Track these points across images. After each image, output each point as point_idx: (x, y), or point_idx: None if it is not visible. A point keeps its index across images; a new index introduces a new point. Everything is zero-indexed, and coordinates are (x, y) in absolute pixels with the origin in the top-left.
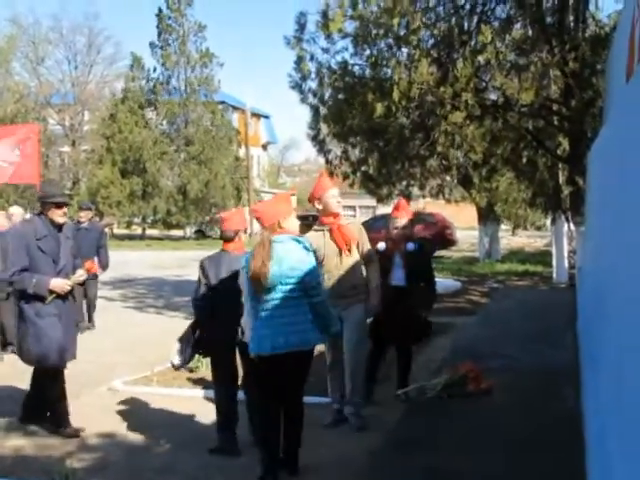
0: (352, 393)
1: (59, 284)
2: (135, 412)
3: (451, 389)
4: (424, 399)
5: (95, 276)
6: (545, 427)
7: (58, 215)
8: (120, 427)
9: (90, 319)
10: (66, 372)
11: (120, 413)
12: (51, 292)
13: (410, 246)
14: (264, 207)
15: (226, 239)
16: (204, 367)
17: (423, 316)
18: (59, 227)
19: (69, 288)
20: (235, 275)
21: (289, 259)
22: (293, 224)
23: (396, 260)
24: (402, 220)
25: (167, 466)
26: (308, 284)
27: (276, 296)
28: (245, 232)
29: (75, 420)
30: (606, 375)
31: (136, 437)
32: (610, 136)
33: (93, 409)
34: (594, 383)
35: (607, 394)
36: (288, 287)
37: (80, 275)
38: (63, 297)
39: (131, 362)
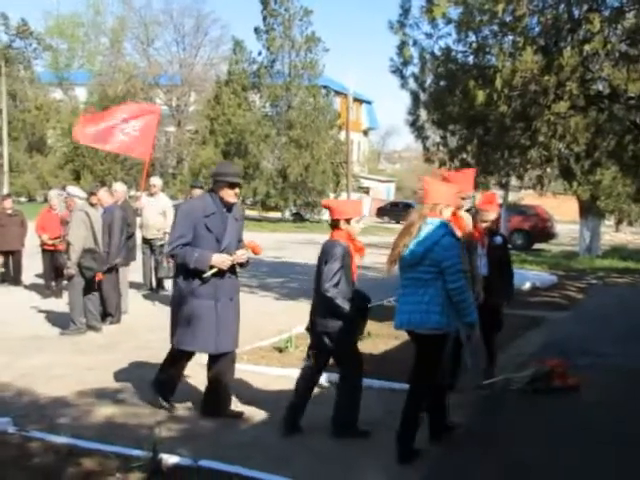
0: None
1: (220, 259)
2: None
3: (537, 383)
4: (508, 391)
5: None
6: (630, 425)
7: (230, 195)
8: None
9: None
10: (160, 345)
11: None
12: (211, 268)
13: (497, 240)
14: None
15: (332, 226)
16: (292, 347)
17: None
18: (229, 207)
19: (230, 263)
20: None
21: (428, 241)
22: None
23: (479, 251)
24: (492, 214)
25: (252, 441)
26: (447, 269)
27: (410, 275)
28: (356, 221)
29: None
30: None
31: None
32: None
33: (183, 383)
34: None
35: None
36: (423, 268)
37: (242, 254)
38: (222, 275)
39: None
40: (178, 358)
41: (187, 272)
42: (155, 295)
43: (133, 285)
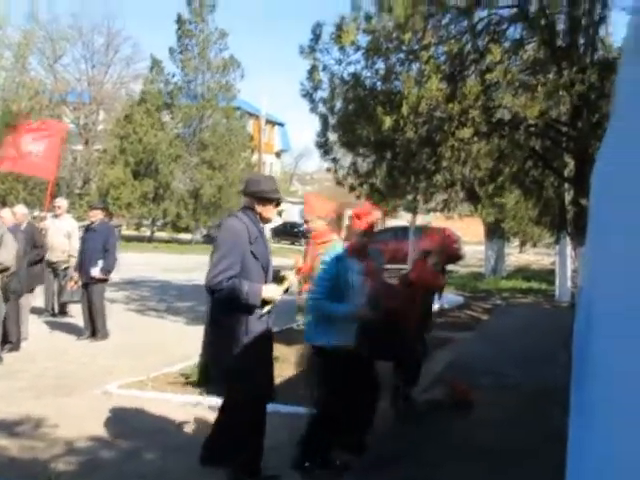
0: None
1: (272, 291)
2: (127, 416)
3: (438, 403)
4: (411, 412)
5: (103, 280)
6: (528, 443)
7: (273, 213)
8: (111, 431)
9: (96, 329)
10: (60, 373)
11: (112, 417)
12: (264, 303)
13: None
14: None
15: None
16: (197, 374)
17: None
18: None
19: (281, 293)
20: None
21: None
22: None
23: None
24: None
25: (156, 472)
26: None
27: None
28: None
29: (66, 423)
30: (582, 395)
31: (126, 442)
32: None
33: (85, 412)
34: (578, 402)
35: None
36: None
37: (292, 280)
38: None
39: (129, 365)
40: (260, 412)
41: (235, 309)
42: (56, 320)
43: (35, 310)
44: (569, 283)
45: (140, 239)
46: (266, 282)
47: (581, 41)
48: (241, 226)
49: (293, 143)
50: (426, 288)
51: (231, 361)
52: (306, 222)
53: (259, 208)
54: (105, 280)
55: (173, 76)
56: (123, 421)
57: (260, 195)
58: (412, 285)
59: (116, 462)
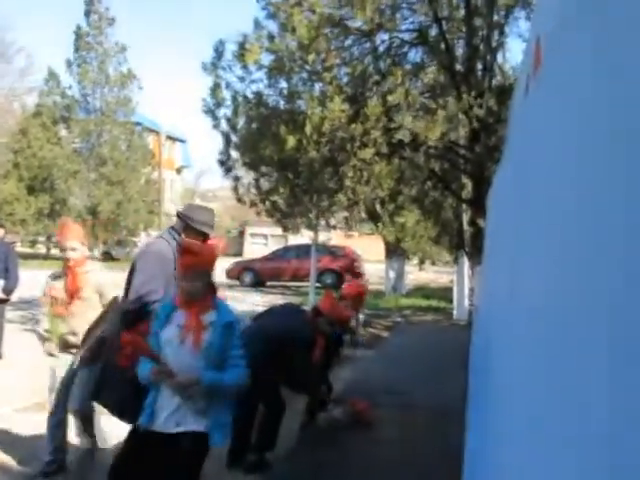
0: None
1: None
2: (23, 441)
3: (337, 421)
4: (310, 432)
5: (4, 301)
6: (425, 463)
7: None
8: (3, 457)
9: None
10: None
11: (6, 441)
12: None
13: None
14: None
15: None
16: None
17: None
18: None
19: None
20: None
21: None
22: None
23: None
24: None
25: None
26: None
27: None
28: None
29: None
30: (478, 411)
31: (21, 467)
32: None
33: None
34: (474, 423)
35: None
36: None
37: None
38: None
39: (26, 387)
40: None
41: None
42: None
43: None
44: (467, 301)
45: (35, 256)
46: None
47: (479, 66)
48: (167, 249)
49: (194, 159)
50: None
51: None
52: (64, 250)
53: (184, 235)
54: (6, 300)
55: (70, 88)
56: (18, 446)
57: (191, 224)
58: (321, 315)
59: None
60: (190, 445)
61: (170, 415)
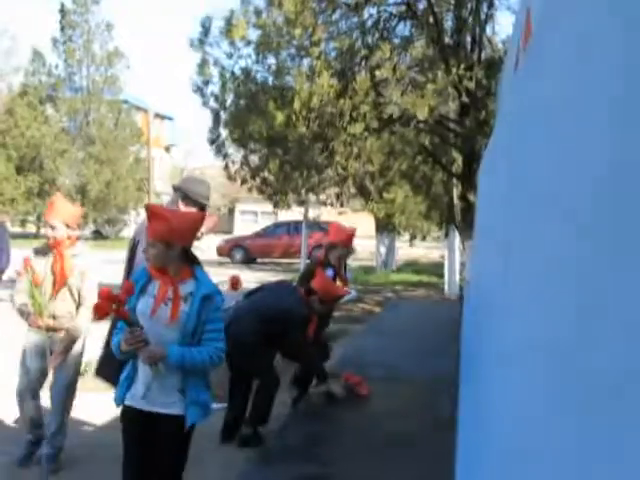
0: None
1: None
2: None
3: (332, 395)
4: (305, 406)
5: None
6: (419, 434)
7: None
8: None
9: None
10: None
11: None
12: None
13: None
14: None
15: None
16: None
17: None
18: None
19: None
20: None
21: None
22: None
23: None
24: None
25: None
26: None
27: None
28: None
29: None
30: (468, 387)
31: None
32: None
33: None
34: (466, 394)
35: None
36: None
37: None
38: None
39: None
40: None
41: None
42: None
43: None
44: (457, 276)
45: (25, 236)
46: None
47: (468, 39)
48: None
49: (182, 137)
50: (328, 297)
51: None
52: (52, 228)
53: (182, 207)
54: None
55: (57, 67)
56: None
57: (187, 194)
58: (313, 293)
59: None
60: (168, 429)
61: (147, 391)
